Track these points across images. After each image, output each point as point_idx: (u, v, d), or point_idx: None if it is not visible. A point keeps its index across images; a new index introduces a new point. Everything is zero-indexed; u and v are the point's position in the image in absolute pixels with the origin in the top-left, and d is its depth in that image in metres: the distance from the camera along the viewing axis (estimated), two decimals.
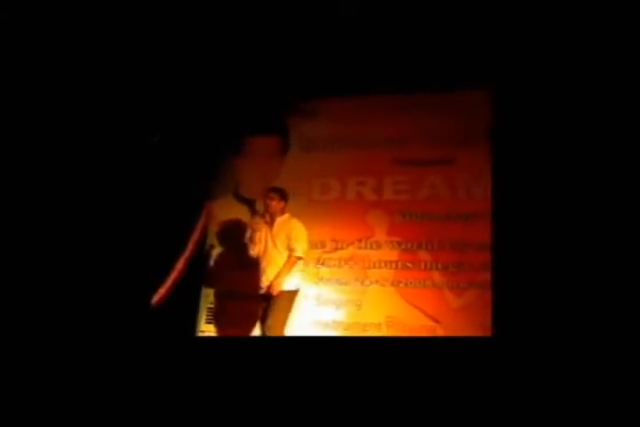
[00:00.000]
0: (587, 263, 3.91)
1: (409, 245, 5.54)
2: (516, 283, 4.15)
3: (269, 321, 5.05)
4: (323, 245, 5.79)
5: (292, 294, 5.19)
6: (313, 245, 5.77)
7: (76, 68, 5.11)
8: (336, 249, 5.75)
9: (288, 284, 5.15)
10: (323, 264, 5.76)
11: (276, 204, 5.28)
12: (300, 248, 5.21)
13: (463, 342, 3.93)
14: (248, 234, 5.43)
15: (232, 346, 4.20)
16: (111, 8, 4.87)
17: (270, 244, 5.25)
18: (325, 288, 5.69)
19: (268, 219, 5.33)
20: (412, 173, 5.66)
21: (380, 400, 3.01)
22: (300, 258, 5.23)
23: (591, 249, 3.91)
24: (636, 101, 3.90)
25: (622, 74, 3.90)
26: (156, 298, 5.39)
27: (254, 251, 5.28)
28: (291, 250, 5.19)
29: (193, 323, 5.72)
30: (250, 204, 6.08)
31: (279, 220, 5.31)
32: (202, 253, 5.86)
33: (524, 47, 4.34)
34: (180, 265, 5.61)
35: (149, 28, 5.04)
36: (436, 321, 5.31)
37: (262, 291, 5.18)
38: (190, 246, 5.77)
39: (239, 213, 6.03)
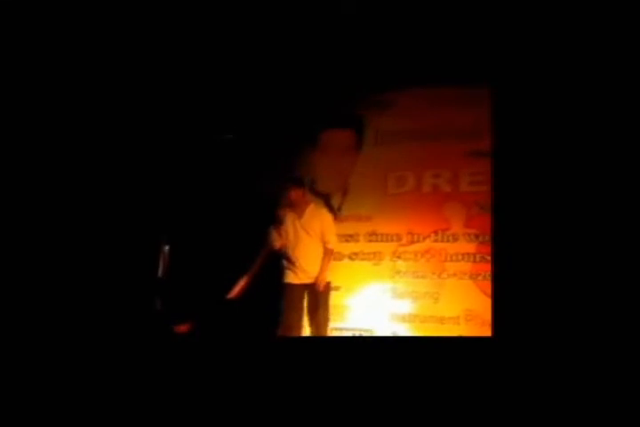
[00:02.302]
0: (590, 263, 3.77)
1: (486, 238, 5.42)
2: (517, 276, 4.03)
3: (319, 316, 5.21)
4: (399, 239, 5.77)
5: (329, 287, 5.32)
6: (389, 238, 5.80)
7: (146, 65, 5.24)
8: (412, 242, 5.72)
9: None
10: (399, 258, 5.74)
11: (295, 193, 5.34)
12: (333, 240, 5.30)
13: (464, 342, 3.86)
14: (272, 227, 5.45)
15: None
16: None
17: (302, 233, 5.30)
18: (402, 281, 5.67)
19: (295, 209, 5.38)
20: (487, 165, 5.53)
21: (381, 400, 2.97)
22: (332, 250, 5.31)
23: (593, 247, 3.77)
24: (637, 99, 3.74)
25: (625, 72, 3.74)
26: (234, 291, 5.49)
27: (279, 242, 5.35)
28: (325, 242, 5.27)
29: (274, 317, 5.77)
30: (326, 198, 6.13)
31: (308, 209, 5.38)
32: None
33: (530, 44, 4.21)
34: (258, 259, 5.67)
35: (224, 23, 5.12)
36: None
37: (302, 282, 5.26)
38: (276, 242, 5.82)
39: None
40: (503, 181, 4.27)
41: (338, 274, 5.69)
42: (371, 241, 5.87)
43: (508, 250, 4.09)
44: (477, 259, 5.47)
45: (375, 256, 5.82)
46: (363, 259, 5.84)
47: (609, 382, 3.03)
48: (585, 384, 3.08)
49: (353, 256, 5.89)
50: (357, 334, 5.68)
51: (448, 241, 5.61)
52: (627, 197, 3.60)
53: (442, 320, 5.45)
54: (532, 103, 3.92)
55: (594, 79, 3.75)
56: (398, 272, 5.72)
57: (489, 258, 5.37)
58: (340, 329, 5.71)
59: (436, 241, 5.65)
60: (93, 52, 4.94)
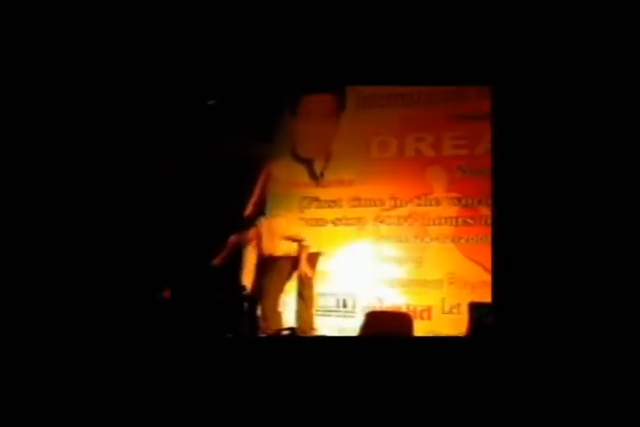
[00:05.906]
0: (589, 228, 3.79)
1: (469, 201, 5.46)
2: (516, 241, 4.06)
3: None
4: (382, 203, 5.78)
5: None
6: (372, 203, 5.81)
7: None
8: (395, 207, 5.73)
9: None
10: (382, 222, 5.76)
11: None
12: None
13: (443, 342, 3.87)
14: None
15: None
16: None
17: None
18: (385, 246, 5.70)
19: None
20: (470, 128, 5.53)
21: (363, 400, 2.98)
22: None
23: (592, 212, 3.79)
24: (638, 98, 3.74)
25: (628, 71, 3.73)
26: (217, 259, 5.52)
27: None
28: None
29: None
30: (308, 163, 6.11)
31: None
32: (262, 213, 5.91)
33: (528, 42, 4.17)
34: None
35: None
36: None
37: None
38: (250, 207, 5.83)
39: (297, 173, 6.08)
40: (503, 146, 4.25)
41: (321, 240, 5.73)
42: (354, 206, 5.87)
43: (508, 214, 4.10)
44: (459, 222, 5.49)
45: (358, 221, 5.84)
46: (346, 224, 5.86)
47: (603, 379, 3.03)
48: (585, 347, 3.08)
49: (336, 222, 5.91)
50: (341, 298, 5.73)
51: (430, 205, 5.62)
52: (623, 195, 3.60)
53: (425, 284, 5.49)
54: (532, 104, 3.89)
55: (593, 78, 3.73)
56: (381, 237, 5.74)
57: (471, 221, 5.44)
58: (324, 294, 5.75)
59: (418, 205, 5.66)
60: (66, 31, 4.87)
